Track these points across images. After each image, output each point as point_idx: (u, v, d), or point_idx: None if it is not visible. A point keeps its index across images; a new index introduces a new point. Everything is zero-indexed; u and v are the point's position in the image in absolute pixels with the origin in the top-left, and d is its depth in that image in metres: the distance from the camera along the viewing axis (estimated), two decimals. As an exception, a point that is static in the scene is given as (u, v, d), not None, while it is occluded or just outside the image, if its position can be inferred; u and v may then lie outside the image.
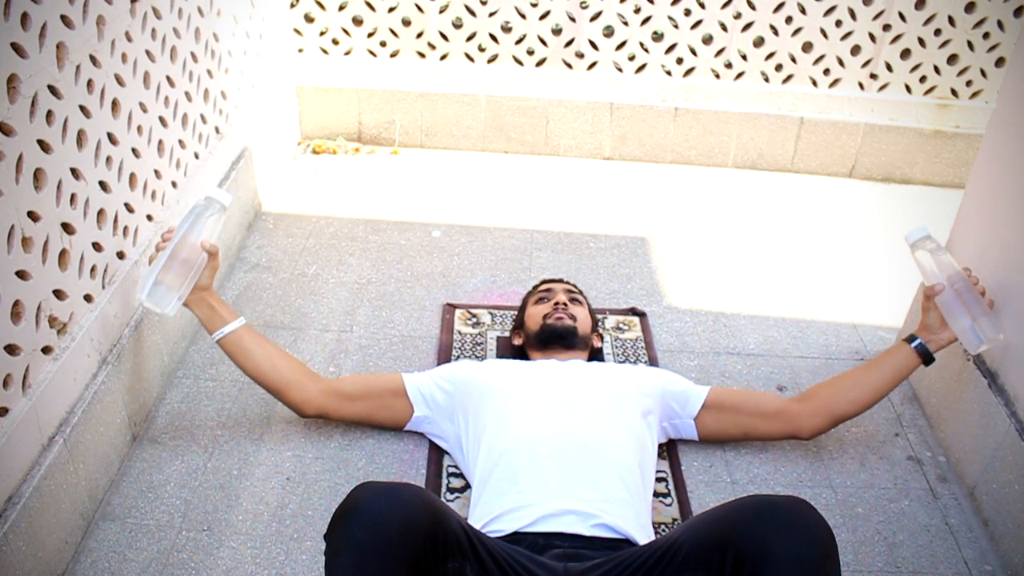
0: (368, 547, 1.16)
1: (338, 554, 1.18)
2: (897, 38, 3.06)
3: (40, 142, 1.46)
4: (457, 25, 3.13)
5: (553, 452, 1.54)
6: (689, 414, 1.82)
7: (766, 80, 3.18)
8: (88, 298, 1.67)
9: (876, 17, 3.02)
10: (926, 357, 1.78)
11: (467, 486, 1.77)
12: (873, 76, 3.14)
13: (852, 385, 1.79)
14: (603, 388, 1.71)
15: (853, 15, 3.02)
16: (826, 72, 3.14)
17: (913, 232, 1.79)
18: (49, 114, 1.48)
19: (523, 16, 3.10)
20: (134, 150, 1.84)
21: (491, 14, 3.10)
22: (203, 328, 1.80)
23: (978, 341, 1.69)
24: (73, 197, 1.58)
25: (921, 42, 3.06)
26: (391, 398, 1.82)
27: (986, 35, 3.02)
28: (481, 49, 3.18)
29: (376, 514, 1.18)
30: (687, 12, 3.06)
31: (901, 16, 3.01)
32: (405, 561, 1.17)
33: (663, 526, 1.70)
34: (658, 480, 1.79)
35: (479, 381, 1.75)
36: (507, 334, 2.22)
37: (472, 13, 3.10)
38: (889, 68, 3.12)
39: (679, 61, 3.16)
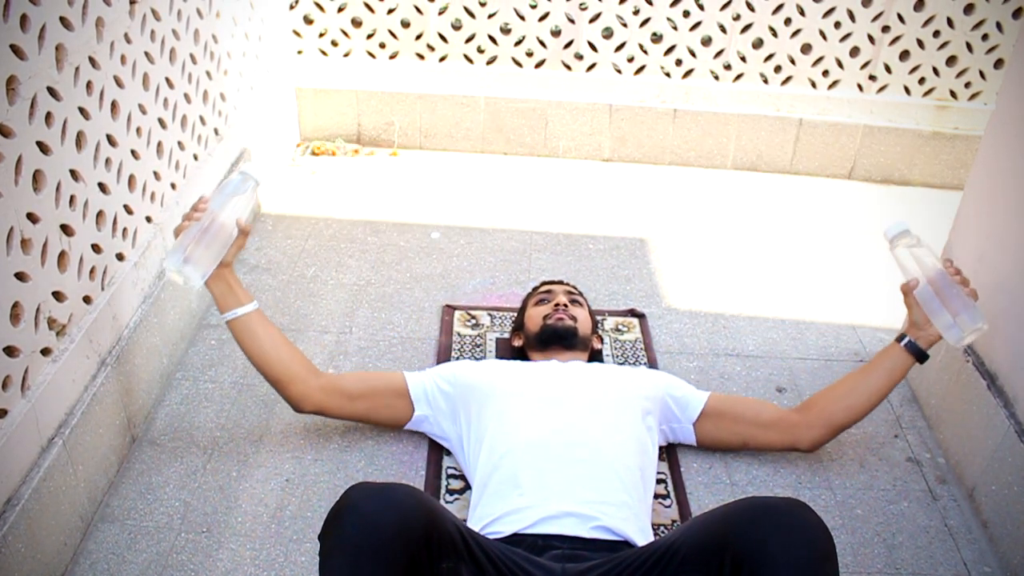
0: (361, 547, 1.15)
1: (331, 554, 1.18)
2: (896, 40, 3.06)
3: (39, 144, 1.46)
4: (456, 27, 3.13)
5: (554, 454, 1.54)
6: (688, 419, 1.81)
7: (765, 82, 3.18)
8: (87, 300, 1.67)
9: (875, 19, 3.02)
10: (918, 355, 1.73)
11: (466, 487, 1.77)
12: (872, 78, 3.14)
13: (849, 392, 1.77)
14: (604, 390, 1.71)
15: (852, 17, 3.02)
16: (825, 74, 3.14)
17: (892, 227, 1.73)
18: (48, 116, 1.48)
19: (522, 18, 3.10)
20: (133, 152, 1.84)
21: (490, 16, 3.10)
22: (215, 306, 1.72)
23: (959, 334, 1.62)
24: (72, 199, 1.58)
25: (920, 44, 3.06)
26: (393, 397, 1.81)
27: (985, 36, 3.02)
28: (480, 51, 3.18)
29: (369, 514, 1.18)
30: (686, 14, 3.06)
31: (900, 18, 3.02)
32: (399, 561, 1.17)
33: (662, 528, 1.70)
34: (658, 482, 1.79)
35: (479, 382, 1.75)
36: (506, 335, 2.22)
37: (471, 15, 3.10)
38: (888, 70, 3.12)
39: (678, 63, 3.16)
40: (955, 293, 1.63)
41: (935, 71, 3.12)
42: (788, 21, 3.05)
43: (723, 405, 1.83)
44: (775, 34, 3.08)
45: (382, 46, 3.17)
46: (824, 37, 3.07)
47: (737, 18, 3.06)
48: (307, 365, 1.77)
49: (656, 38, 3.13)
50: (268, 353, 1.71)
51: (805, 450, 1.81)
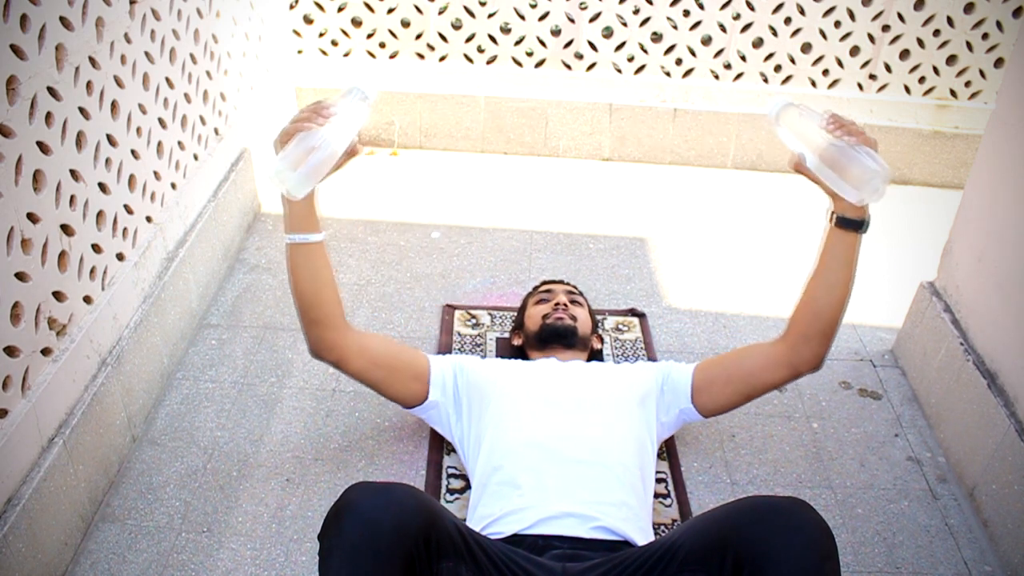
0: (360, 547, 1.15)
1: (330, 554, 1.18)
2: (896, 39, 3.06)
3: (39, 144, 1.46)
4: (456, 26, 3.13)
5: (553, 455, 1.54)
6: (687, 398, 1.75)
7: (765, 81, 3.18)
8: (88, 300, 1.67)
9: (875, 18, 3.02)
10: (852, 224, 1.51)
11: (467, 487, 1.77)
12: (872, 77, 3.14)
13: (814, 297, 1.61)
14: (603, 389, 1.71)
15: (852, 16, 3.02)
16: (825, 73, 3.14)
17: (773, 107, 1.55)
18: (48, 116, 1.48)
19: (522, 17, 3.10)
20: (133, 152, 1.84)
21: (490, 15, 3.10)
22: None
23: (863, 195, 1.41)
24: (72, 199, 1.58)
25: (920, 43, 3.06)
26: (411, 379, 1.74)
27: (985, 36, 3.02)
28: (480, 50, 3.18)
29: (368, 514, 1.18)
30: (686, 13, 3.06)
31: (900, 17, 3.01)
32: (397, 561, 1.17)
33: (663, 527, 1.70)
34: (658, 481, 1.79)
35: (484, 381, 1.74)
36: (507, 335, 2.23)
37: (471, 14, 3.10)
38: (888, 69, 3.12)
39: (678, 62, 3.16)
40: (846, 155, 1.42)
41: (935, 70, 3.11)
42: (788, 20, 3.05)
43: (710, 372, 1.75)
44: (775, 33, 3.08)
45: (382, 46, 3.17)
46: (824, 36, 3.07)
47: (737, 17, 3.06)
48: (343, 315, 1.67)
49: (656, 37, 3.12)
50: (320, 291, 1.60)
51: (810, 369, 1.66)
